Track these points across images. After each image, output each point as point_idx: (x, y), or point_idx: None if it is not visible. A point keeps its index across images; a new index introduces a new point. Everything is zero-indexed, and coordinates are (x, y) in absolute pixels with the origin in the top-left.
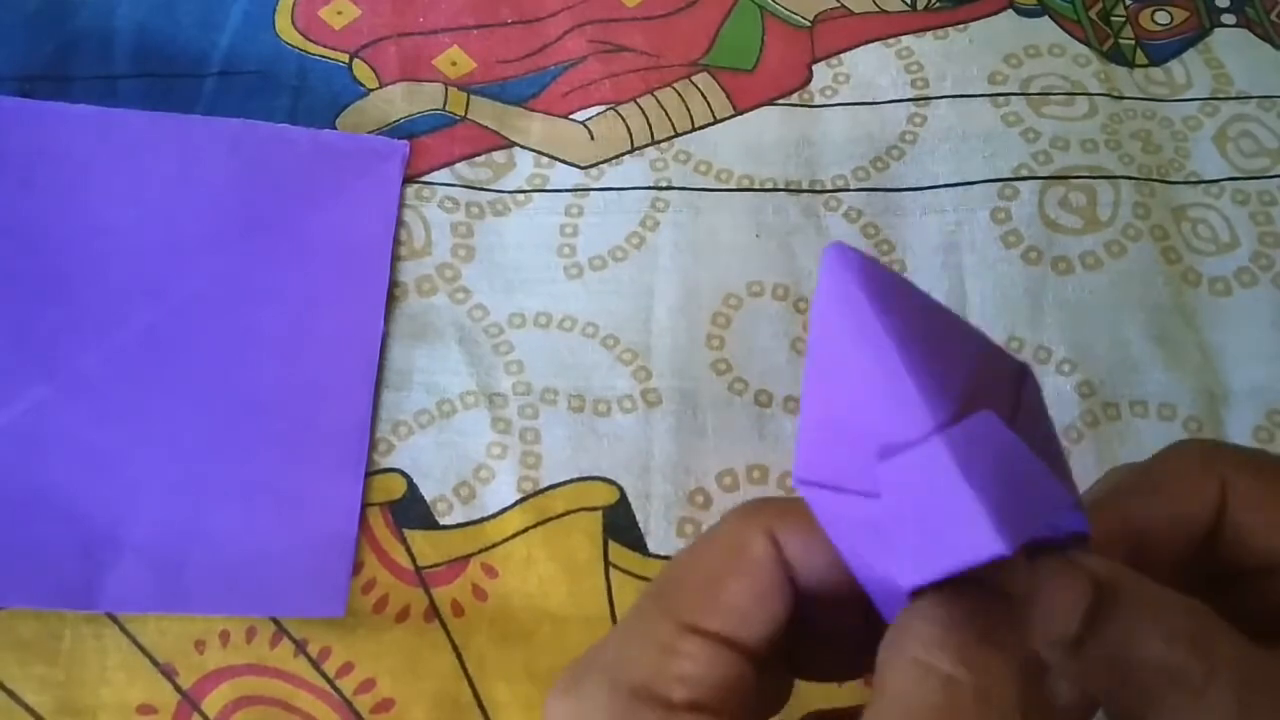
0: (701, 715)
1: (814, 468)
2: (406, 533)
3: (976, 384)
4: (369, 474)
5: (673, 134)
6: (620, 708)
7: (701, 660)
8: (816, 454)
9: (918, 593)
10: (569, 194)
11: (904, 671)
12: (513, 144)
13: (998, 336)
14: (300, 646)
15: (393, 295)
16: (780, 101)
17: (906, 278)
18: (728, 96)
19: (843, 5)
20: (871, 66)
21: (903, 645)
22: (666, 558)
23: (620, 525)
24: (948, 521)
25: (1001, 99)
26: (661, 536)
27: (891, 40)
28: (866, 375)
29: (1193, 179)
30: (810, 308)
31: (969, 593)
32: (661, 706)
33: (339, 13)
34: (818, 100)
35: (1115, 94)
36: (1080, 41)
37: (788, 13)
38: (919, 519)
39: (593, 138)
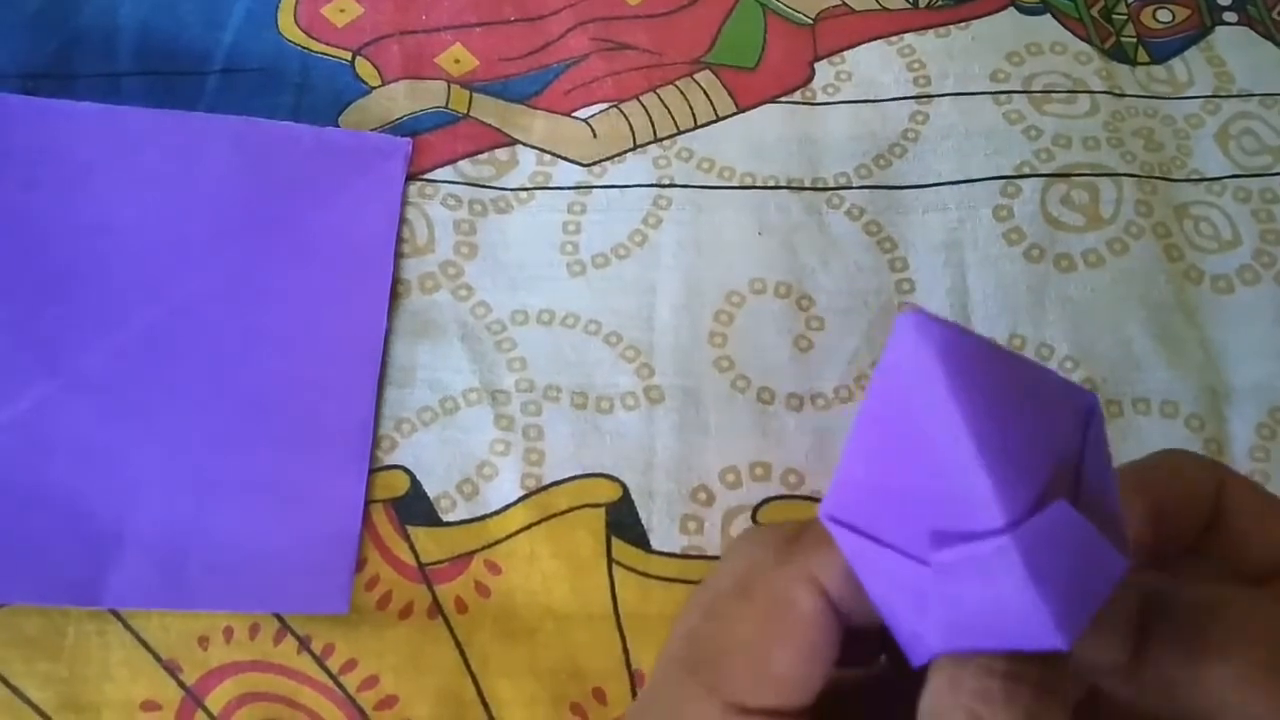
0: None
1: (852, 511)
2: (410, 529)
3: (1052, 451)
4: (372, 471)
5: (675, 132)
6: None
7: None
8: (858, 499)
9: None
10: (571, 191)
11: None
12: (515, 141)
13: (1000, 334)
14: (304, 643)
15: (396, 292)
16: (782, 99)
17: (985, 338)
18: (730, 94)
19: (845, 3)
20: (874, 64)
21: (957, 698)
22: (669, 555)
23: (623, 522)
24: (1003, 612)
25: (1003, 96)
26: (664, 533)
27: (894, 38)
28: (935, 455)
29: (1195, 177)
30: (876, 370)
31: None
32: None
33: (341, 10)
34: (820, 98)
35: (1117, 92)
36: (1082, 39)
37: (790, 10)
38: (971, 601)
39: (595, 135)
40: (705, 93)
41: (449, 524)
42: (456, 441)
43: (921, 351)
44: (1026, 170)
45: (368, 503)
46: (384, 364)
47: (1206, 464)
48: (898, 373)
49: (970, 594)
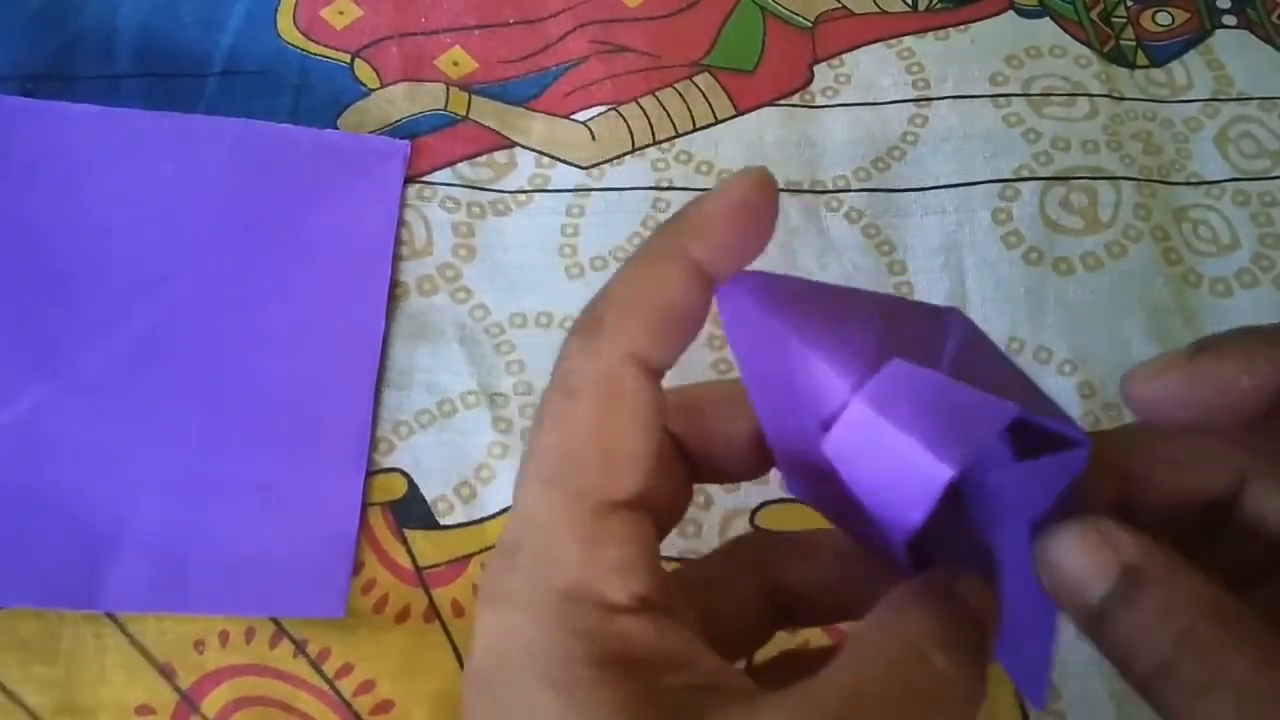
0: (640, 614)
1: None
2: (407, 533)
3: (891, 341)
4: (370, 474)
5: (674, 134)
6: (555, 615)
7: (626, 540)
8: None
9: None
10: (570, 194)
11: (901, 649)
12: (514, 144)
13: (998, 336)
14: (300, 647)
15: (394, 295)
16: (781, 102)
17: (798, 276)
18: (729, 97)
19: (844, 6)
20: (873, 67)
21: (904, 626)
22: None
23: None
24: (898, 467)
25: (1003, 100)
26: None
27: (893, 41)
28: (786, 376)
29: (1194, 180)
30: (729, 343)
31: (965, 596)
32: (598, 608)
33: (340, 12)
34: (819, 101)
35: (1116, 95)
36: (1081, 42)
37: (789, 13)
38: (875, 476)
39: (594, 138)
40: (704, 95)
41: (446, 527)
42: (454, 444)
43: (737, 299)
44: (1025, 173)
45: (365, 505)
46: (382, 366)
47: (1238, 443)
48: (733, 335)
49: (865, 470)
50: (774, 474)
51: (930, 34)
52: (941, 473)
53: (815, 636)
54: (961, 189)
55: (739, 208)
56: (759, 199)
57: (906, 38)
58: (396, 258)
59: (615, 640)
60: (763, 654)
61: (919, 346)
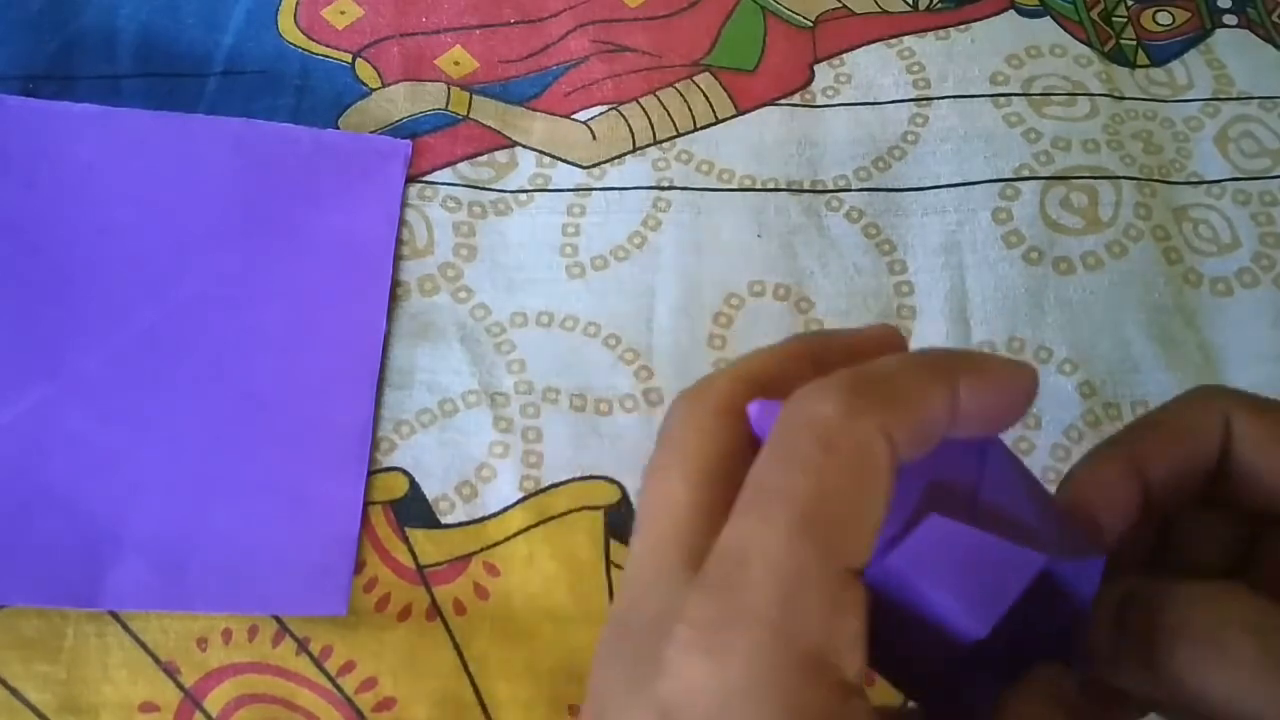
0: (863, 699)
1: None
2: (408, 531)
3: (916, 488)
4: (371, 473)
5: (675, 134)
6: (786, 686)
7: (862, 613)
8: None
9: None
10: (571, 194)
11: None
12: (515, 144)
13: (999, 337)
14: (302, 645)
15: (395, 294)
16: (782, 101)
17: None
18: (730, 96)
19: (844, 5)
20: (873, 67)
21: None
22: None
23: (622, 524)
24: (937, 614)
25: (1003, 99)
26: None
27: (893, 40)
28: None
29: (1194, 179)
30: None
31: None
32: (833, 685)
33: (342, 12)
34: (819, 100)
35: (1116, 94)
36: (1082, 42)
37: (790, 13)
38: (913, 623)
39: (595, 138)
40: (705, 95)
41: (447, 526)
42: (455, 444)
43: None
44: (1026, 173)
45: (366, 504)
46: (383, 366)
47: (1207, 404)
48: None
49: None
50: None
51: (931, 33)
52: (975, 632)
53: None
54: (962, 188)
55: (1017, 379)
56: (1029, 388)
57: (907, 37)
58: (397, 257)
59: None
60: None
61: (955, 477)
